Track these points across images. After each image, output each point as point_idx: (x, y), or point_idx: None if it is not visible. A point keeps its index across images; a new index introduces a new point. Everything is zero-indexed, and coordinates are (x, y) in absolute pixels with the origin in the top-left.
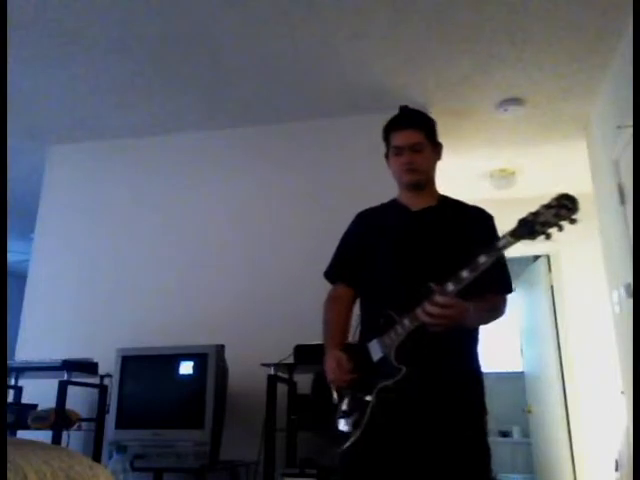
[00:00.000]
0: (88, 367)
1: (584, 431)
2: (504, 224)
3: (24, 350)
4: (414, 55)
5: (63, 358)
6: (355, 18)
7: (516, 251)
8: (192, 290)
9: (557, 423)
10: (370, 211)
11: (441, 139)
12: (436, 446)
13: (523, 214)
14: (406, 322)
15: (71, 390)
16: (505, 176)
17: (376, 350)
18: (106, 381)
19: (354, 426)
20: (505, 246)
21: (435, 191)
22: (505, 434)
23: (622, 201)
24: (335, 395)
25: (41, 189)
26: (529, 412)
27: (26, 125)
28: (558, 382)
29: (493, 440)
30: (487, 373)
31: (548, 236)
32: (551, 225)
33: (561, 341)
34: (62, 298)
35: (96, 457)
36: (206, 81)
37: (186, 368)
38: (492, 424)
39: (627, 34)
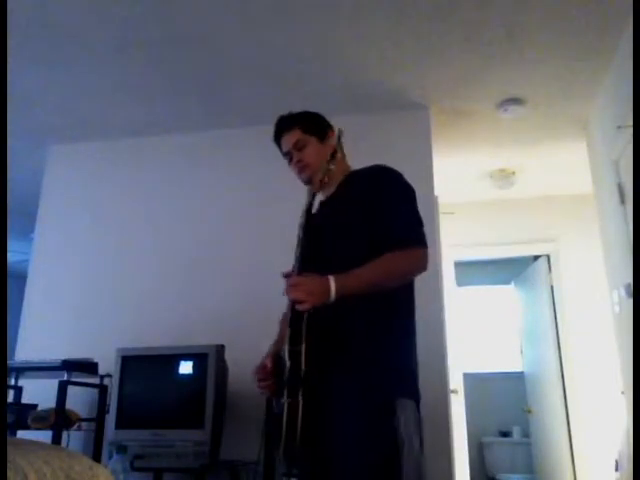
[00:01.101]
0: (88, 367)
1: (584, 431)
2: (504, 224)
3: (24, 350)
4: (414, 55)
5: (63, 358)
6: (355, 18)
7: (516, 251)
8: (192, 290)
9: (557, 423)
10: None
11: (441, 139)
12: (336, 442)
13: (523, 214)
14: (288, 312)
15: (71, 390)
16: (505, 176)
17: (283, 349)
18: (106, 381)
19: (280, 432)
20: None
21: (340, 175)
22: (505, 434)
23: (622, 201)
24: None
25: (41, 189)
26: (529, 412)
27: (26, 125)
28: (558, 382)
29: (493, 440)
30: (487, 373)
31: None
32: None
33: (561, 341)
34: (62, 298)
35: (96, 457)
36: (206, 81)
37: (186, 368)
38: (492, 424)
39: (627, 34)
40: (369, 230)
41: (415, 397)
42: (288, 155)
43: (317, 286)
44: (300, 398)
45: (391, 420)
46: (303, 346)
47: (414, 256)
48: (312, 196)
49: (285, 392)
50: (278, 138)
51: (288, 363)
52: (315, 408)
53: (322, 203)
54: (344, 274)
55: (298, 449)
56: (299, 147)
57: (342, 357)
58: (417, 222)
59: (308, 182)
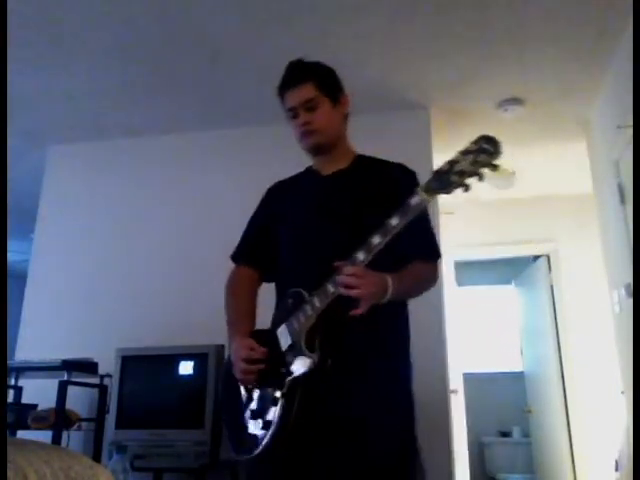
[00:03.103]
0: (88, 367)
1: (584, 431)
2: (504, 224)
3: (24, 350)
4: (414, 55)
5: (63, 358)
6: (355, 18)
7: (516, 251)
8: (192, 290)
9: (557, 423)
10: (281, 183)
11: (441, 139)
12: (352, 453)
13: (523, 214)
14: (316, 301)
15: (71, 390)
16: (505, 176)
17: (285, 337)
18: (106, 381)
19: (264, 428)
20: (419, 204)
21: (348, 151)
22: (505, 434)
23: (622, 201)
24: (243, 391)
25: (41, 189)
26: (529, 412)
27: (26, 125)
28: (558, 382)
29: (493, 440)
30: (487, 373)
31: (466, 188)
32: (469, 174)
33: (561, 341)
34: (62, 298)
35: (96, 457)
36: (205, 81)
37: (186, 368)
38: (492, 424)
39: (627, 34)
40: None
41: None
42: (292, 111)
43: (379, 283)
44: (298, 394)
45: (413, 432)
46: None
47: (437, 270)
48: None
49: (285, 383)
50: (285, 88)
51: (310, 366)
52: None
53: (326, 178)
54: (397, 275)
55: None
56: (309, 107)
57: (365, 366)
58: (435, 236)
59: (311, 150)
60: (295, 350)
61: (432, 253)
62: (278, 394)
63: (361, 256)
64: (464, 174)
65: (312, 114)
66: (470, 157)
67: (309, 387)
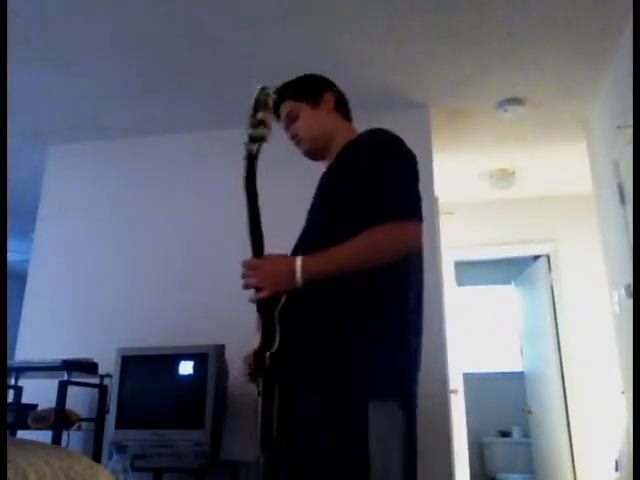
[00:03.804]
0: (88, 367)
1: (584, 431)
2: (504, 224)
3: (24, 350)
4: (414, 55)
5: (63, 358)
6: (355, 18)
7: (516, 251)
8: (192, 290)
9: (557, 423)
10: None
11: (441, 139)
12: (306, 446)
13: (523, 214)
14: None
15: (71, 390)
16: (505, 176)
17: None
18: (106, 381)
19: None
20: (250, 152)
21: (342, 144)
22: (505, 434)
23: (622, 201)
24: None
25: (41, 189)
26: (529, 412)
27: (26, 125)
28: (558, 382)
29: (493, 440)
30: (487, 373)
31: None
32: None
33: (561, 341)
34: (62, 298)
35: (96, 457)
36: (206, 81)
37: (186, 368)
38: (492, 424)
39: (627, 34)
40: (355, 205)
41: (400, 397)
42: (287, 130)
43: (279, 269)
44: (276, 395)
45: (361, 430)
46: (274, 346)
47: (404, 229)
48: (250, 161)
49: (260, 384)
50: (278, 113)
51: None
52: (284, 411)
53: (320, 178)
54: (318, 254)
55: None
56: (292, 118)
57: (305, 357)
58: (411, 192)
59: (307, 157)
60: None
61: (388, 211)
62: (257, 393)
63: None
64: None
65: (295, 125)
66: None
67: (284, 384)
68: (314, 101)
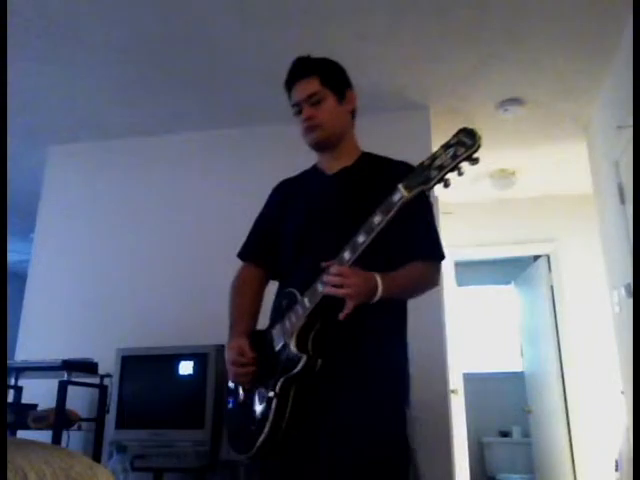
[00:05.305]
0: (88, 367)
1: (584, 431)
2: (504, 224)
3: (24, 350)
4: (414, 55)
5: (63, 358)
6: (355, 18)
7: (516, 251)
8: (192, 290)
9: (557, 423)
10: (288, 181)
11: (441, 139)
12: (347, 449)
13: (523, 214)
14: (306, 302)
15: (71, 390)
16: (505, 176)
17: (279, 337)
18: (106, 381)
19: (259, 429)
20: (400, 200)
21: (354, 148)
22: (505, 434)
23: (622, 201)
24: (241, 391)
25: (41, 189)
26: (529, 412)
27: (26, 125)
28: (558, 382)
29: (493, 440)
30: (487, 373)
31: (447, 183)
32: (449, 168)
33: (561, 341)
34: (62, 298)
35: (96, 457)
36: (206, 81)
37: (186, 368)
38: (492, 424)
39: (627, 34)
40: (392, 233)
41: (409, 406)
42: (297, 107)
43: (364, 283)
44: (291, 395)
45: (403, 431)
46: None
47: (438, 271)
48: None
49: (277, 384)
50: (290, 83)
51: (300, 367)
52: (316, 415)
53: (331, 177)
54: (389, 274)
55: (279, 444)
56: (314, 101)
57: (354, 366)
58: (439, 236)
59: (314, 146)
60: (287, 350)
61: (432, 253)
62: (271, 394)
63: (347, 255)
64: (443, 168)
65: (316, 109)
66: (451, 151)
67: (302, 388)
68: (341, 96)
